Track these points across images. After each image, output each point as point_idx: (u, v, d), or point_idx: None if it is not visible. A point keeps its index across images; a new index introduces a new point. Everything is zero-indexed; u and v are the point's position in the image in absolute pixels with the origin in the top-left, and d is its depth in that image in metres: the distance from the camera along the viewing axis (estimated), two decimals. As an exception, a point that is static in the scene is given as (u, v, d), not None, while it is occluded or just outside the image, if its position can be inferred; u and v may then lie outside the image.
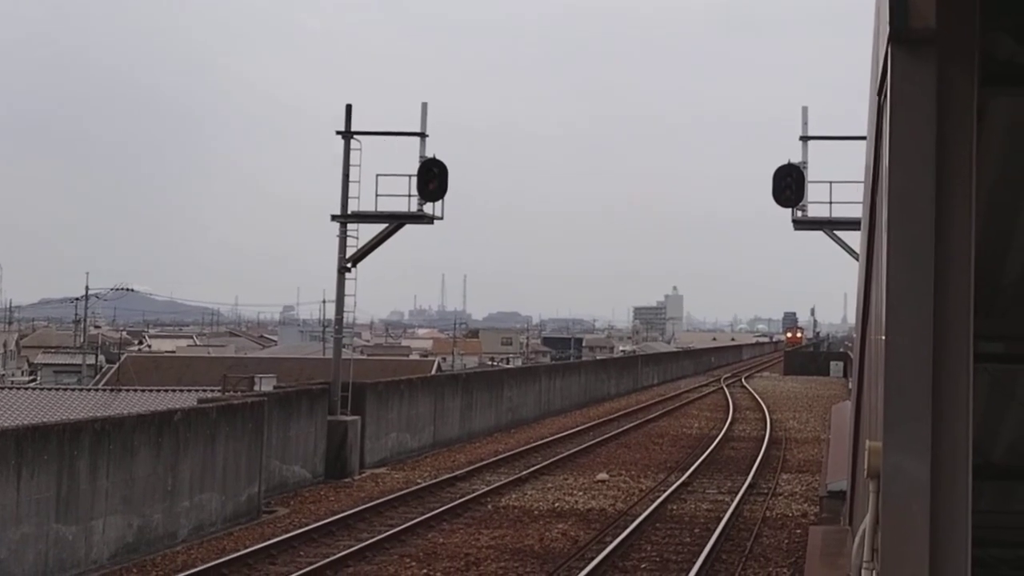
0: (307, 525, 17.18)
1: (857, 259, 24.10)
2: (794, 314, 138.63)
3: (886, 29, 4.02)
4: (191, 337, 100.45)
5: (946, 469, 3.84)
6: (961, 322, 3.85)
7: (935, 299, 3.82)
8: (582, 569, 14.20)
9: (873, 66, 5.42)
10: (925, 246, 3.82)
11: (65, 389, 35.75)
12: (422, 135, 23.53)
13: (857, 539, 4.40)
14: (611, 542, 15.79)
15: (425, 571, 14.57)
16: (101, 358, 60.39)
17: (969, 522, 3.85)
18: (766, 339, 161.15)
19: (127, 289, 73.60)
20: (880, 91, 4.53)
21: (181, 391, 31.46)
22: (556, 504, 19.66)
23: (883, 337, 3.99)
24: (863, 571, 4.26)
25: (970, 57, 3.87)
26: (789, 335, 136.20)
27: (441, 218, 23.70)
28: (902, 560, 3.82)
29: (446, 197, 23.43)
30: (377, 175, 23.43)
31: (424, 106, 23.90)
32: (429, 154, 23.32)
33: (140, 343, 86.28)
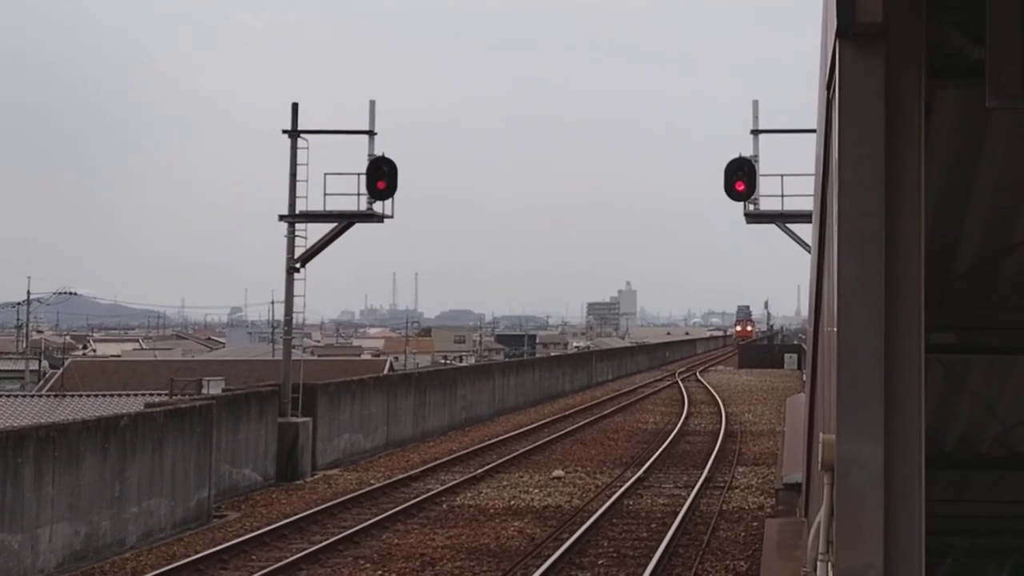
0: (259, 529, 16.97)
1: (805, 248, 24.23)
2: (748, 307, 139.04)
3: (834, 24, 4.02)
4: (137, 340, 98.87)
5: (900, 459, 3.86)
6: (913, 314, 3.86)
7: (886, 291, 3.83)
8: (539, 567, 14.17)
9: (822, 60, 5.42)
10: (875, 239, 3.83)
11: (8, 395, 34.99)
12: (371, 133, 23.33)
13: (812, 531, 4.39)
14: (568, 539, 15.77)
15: (380, 572, 14.45)
16: (44, 363, 59.22)
17: (923, 511, 3.86)
18: (720, 333, 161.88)
19: (70, 293, 72.25)
20: (829, 85, 4.53)
21: (127, 396, 30.95)
22: (512, 502, 19.61)
23: (835, 329, 3.97)
24: (818, 563, 4.26)
25: (917, 51, 3.89)
26: (739, 328, 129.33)
27: (392, 216, 23.53)
28: (857, 550, 3.83)
29: (396, 195, 23.28)
30: (325, 174, 23.20)
31: (372, 104, 23.72)
32: (378, 152, 23.14)
33: (84, 347, 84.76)
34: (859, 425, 3.78)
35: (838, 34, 3.84)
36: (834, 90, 4.29)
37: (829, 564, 4.17)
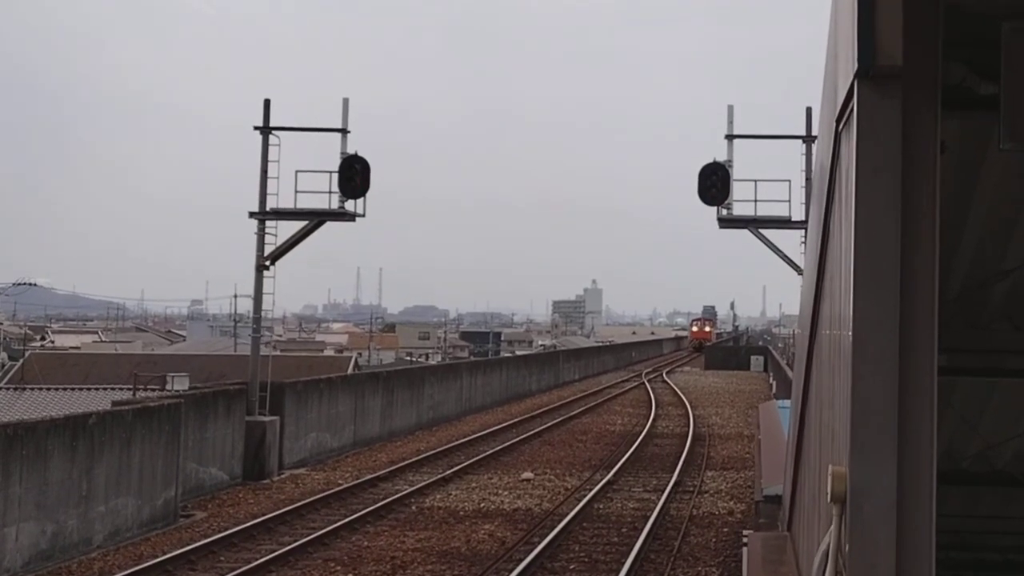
0: (227, 529, 16.84)
1: (778, 254, 24.15)
2: (713, 307, 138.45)
3: (845, 59, 4.05)
4: (96, 332, 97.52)
5: (912, 490, 3.90)
6: (926, 348, 3.91)
7: (900, 326, 3.87)
8: (511, 571, 14.16)
9: (826, 92, 5.46)
10: (890, 276, 3.88)
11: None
12: (343, 131, 23.20)
13: (817, 560, 4.39)
14: (539, 543, 15.78)
15: (351, 575, 14.37)
16: (3, 355, 58.41)
17: (933, 539, 3.90)
18: (686, 333, 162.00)
19: (30, 283, 71.04)
20: (839, 119, 4.56)
21: (90, 390, 30.53)
22: (482, 504, 19.58)
23: (842, 340, 3.99)
24: None
25: (933, 91, 3.96)
26: (695, 328, 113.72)
27: (363, 215, 23.41)
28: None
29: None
30: (296, 171, 23.04)
31: (345, 101, 23.55)
32: (349, 150, 22.97)
33: (42, 338, 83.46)
34: (873, 458, 3.81)
35: (857, 75, 3.87)
36: (846, 124, 4.32)
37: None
